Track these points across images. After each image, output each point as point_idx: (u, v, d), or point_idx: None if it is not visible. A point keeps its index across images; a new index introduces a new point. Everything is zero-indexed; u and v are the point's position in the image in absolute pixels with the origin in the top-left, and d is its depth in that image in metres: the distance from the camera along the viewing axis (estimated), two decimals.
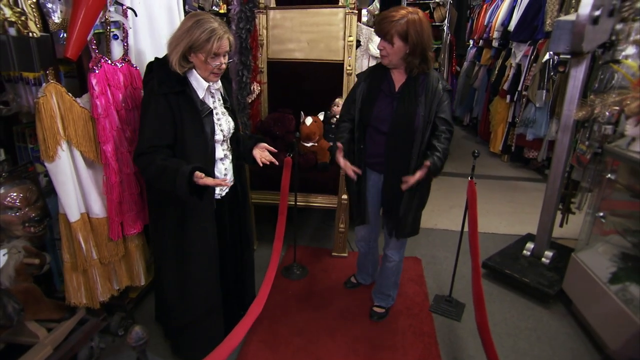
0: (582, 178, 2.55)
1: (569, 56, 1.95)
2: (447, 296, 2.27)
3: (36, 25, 1.23)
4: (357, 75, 1.86)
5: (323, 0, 2.78)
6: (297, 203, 2.53)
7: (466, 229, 1.99)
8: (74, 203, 1.49)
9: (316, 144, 2.74)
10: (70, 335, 1.68)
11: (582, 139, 2.46)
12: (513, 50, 4.53)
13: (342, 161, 1.73)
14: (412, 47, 1.57)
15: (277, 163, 1.69)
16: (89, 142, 1.48)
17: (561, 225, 2.70)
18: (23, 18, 1.18)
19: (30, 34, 1.21)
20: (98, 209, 1.59)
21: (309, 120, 2.72)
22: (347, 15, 2.71)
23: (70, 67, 1.69)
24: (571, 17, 1.84)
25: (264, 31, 2.84)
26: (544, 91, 3.97)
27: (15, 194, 1.52)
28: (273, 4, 2.82)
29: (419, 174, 1.59)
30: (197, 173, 1.31)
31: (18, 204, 1.53)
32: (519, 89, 4.38)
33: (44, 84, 1.33)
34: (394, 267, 2.07)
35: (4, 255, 1.45)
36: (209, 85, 1.47)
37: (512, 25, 4.51)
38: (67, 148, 1.43)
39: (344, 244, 2.74)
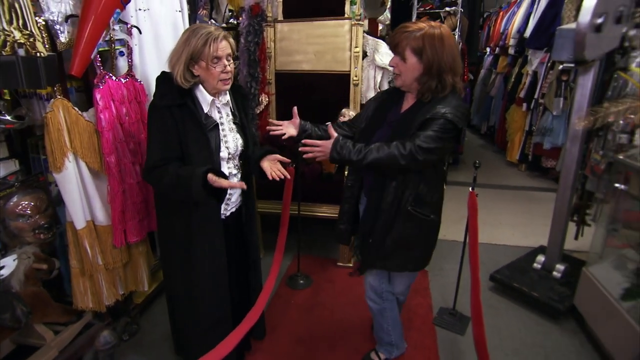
0: (597, 189, 2.46)
1: (572, 65, 1.90)
2: (451, 309, 2.22)
3: (44, 45, 1.32)
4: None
5: (329, 12, 2.82)
6: (301, 213, 2.55)
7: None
8: (80, 211, 1.57)
9: None
10: (76, 338, 1.75)
11: (597, 148, 2.37)
12: (529, 57, 4.44)
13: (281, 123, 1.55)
14: (426, 65, 1.32)
15: (289, 177, 1.54)
16: (93, 153, 1.56)
17: (576, 238, 2.60)
18: (31, 40, 1.28)
19: (38, 54, 1.30)
20: (102, 217, 1.66)
21: None
22: (353, 27, 2.74)
23: (81, 82, 1.79)
24: (573, 25, 1.79)
25: (272, 44, 2.90)
26: (561, 99, 3.86)
27: (26, 202, 1.61)
28: (281, 17, 2.89)
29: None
30: (210, 176, 1.30)
31: (29, 211, 1.62)
32: (536, 96, 4.28)
33: (52, 100, 1.42)
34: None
35: (14, 260, 1.54)
36: (213, 100, 1.43)
37: (528, 32, 4.42)
38: (74, 159, 1.51)
39: (349, 254, 2.73)
